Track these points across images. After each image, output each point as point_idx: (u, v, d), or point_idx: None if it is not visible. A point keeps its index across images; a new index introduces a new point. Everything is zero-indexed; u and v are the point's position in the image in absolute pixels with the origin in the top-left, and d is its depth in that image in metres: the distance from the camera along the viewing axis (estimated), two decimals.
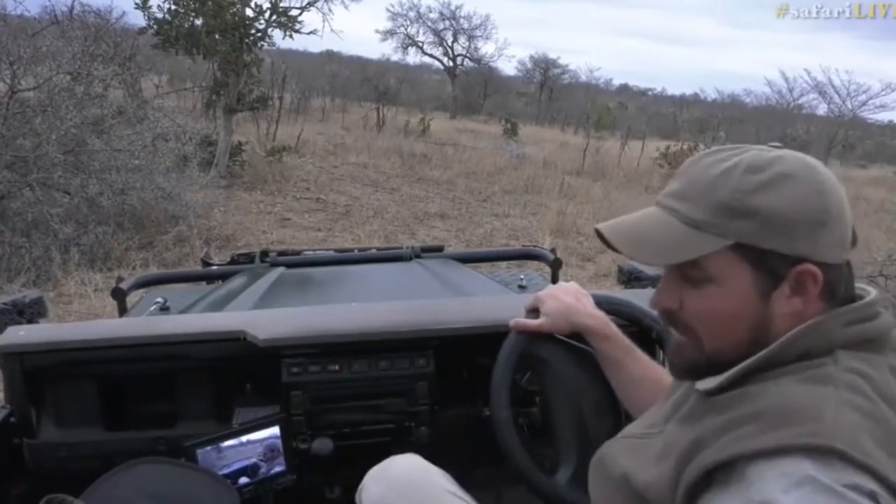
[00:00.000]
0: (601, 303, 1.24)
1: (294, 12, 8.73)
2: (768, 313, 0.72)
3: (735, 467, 0.63)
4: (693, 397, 0.80)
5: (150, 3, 7.93)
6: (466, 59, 34.09)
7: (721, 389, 0.74)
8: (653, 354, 1.43)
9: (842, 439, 0.60)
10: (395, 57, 35.07)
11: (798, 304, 0.71)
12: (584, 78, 39.69)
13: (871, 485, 0.58)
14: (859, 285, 0.77)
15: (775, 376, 0.70)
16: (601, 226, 0.81)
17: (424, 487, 1.10)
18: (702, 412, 0.75)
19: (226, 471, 1.28)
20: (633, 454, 0.82)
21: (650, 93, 49.94)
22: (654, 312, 1.28)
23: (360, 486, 1.15)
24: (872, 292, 0.76)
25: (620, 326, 1.18)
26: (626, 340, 1.14)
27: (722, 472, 0.64)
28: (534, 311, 1.18)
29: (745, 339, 0.73)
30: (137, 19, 12.08)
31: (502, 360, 1.14)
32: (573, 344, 1.16)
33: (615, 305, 1.28)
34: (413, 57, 35.56)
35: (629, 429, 0.93)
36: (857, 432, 0.61)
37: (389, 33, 33.75)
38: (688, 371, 0.80)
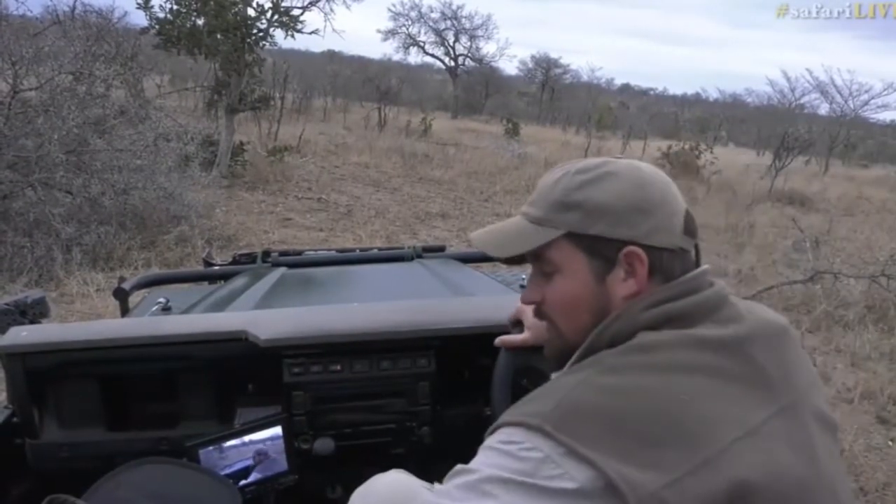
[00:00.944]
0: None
1: (296, 12, 8.76)
2: (607, 296, 0.81)
3: (491, 433, 0.75)
4: None
5: (152, 2, 7.95)
6: (468, 59, 34.12)
7: None
8: None
9: (553, 421, 0.68)
10: (397, 57, 35.14)
11: (633, 285, 0.79)
12: (585, 78, 39.75)
13: (560, 451, 0.66)
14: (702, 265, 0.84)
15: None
16: (473, 235, 0.94)
17: None
18: None
19: (228, 471, 1.28)
20: None
21: (652, 92, 49.95)
22: None
23: None
24: (700, 268, 0.82)
25: None
26: None
27: None
28: (517, 325, 1.19)
29: (590, 321, 0.81)
30: (139, 19, 12.14)
31: (498, 381, 1.14)
32: None
33: None
34: (414, 57, 35.61)
35: None
36: (576, 413, 0.68)
37: (391, 33, 33.82)
38: (556, 361, 0.89)
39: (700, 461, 0.64)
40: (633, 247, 0.78)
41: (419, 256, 2.28)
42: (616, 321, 0.78)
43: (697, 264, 0.84)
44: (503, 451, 0.70)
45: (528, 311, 1.16)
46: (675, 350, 0.73)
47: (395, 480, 1.15)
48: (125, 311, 1.96)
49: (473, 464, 0.73)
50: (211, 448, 1.26)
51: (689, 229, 0.82)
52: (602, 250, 0.80)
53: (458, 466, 0.74)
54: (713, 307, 0.78)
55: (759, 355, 0.75)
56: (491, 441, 0.74)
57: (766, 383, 0.73)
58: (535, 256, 0.85)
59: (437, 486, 0.78)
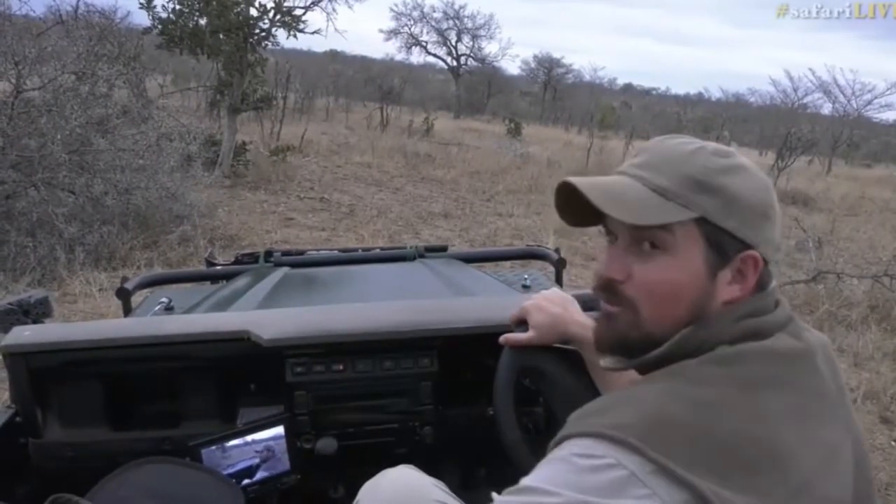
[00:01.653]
0: (588, 301, 1.23)
1: (298, 12, 8.76)
2: (711, 293, 0.75)
3: (558, 444, 0.70)
4: None
5: (155, 2, 7.96)
6: (470, 59, 34.13)
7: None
8: None
9: (639, 434, 0.63)
10: (399, 56, 35.16)
11: (737, 291, 0.75)
12: (587, 77, 39.79)
13: (648, 468, 0.61)
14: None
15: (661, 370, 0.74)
16: (575, 180, 0.78)
17: (417, 501, 1.09)
18: None
19: (230, 470, 1.28)
20: None
21: (654, 92, 49.91)
22: None
23: (355, 502, 1.14)
24: (772, 282, 0.78)
25: None
26: None
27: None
28: (521, 324, 1.16)
29: (684, 316, 0.75)
30: (142, 19, 12.12)
31: (501, 381, 1.13)
32: (567, 349, 1.16)
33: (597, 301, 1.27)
34: (417, 56, 35.61)
35: None
36: (664, 426, 0.63)
37: (393, 33, 33.83)
38: (615, 346, 0.82)
39: (794, 488, 0.62)
40: (754, 252, 0.73)
41: (421, 256, 2.28)
42: (709, 326, 0.73)
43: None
44: (579, 466, 0.63)
45: (535, 312, 1.15)
46: (757, 364, 0.69)
47: (403, 475, 1.16)
48: (128, 310, 1.97)
49: (541, 480, 0.66)
50: (213, 448, 1.27)
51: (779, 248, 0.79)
52: (724, 245, 0.74)
53: (523, 483, 0.68)
54: (784, 322, 0.76)
55: (822, 368, 0.74)
56: (561, 453, 0.67)
57: (829, 397, 0.72)
58: (649, 227, 0.75)
59: (497, 497, 0.70)
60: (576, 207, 0.80)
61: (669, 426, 0.63)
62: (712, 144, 0.77)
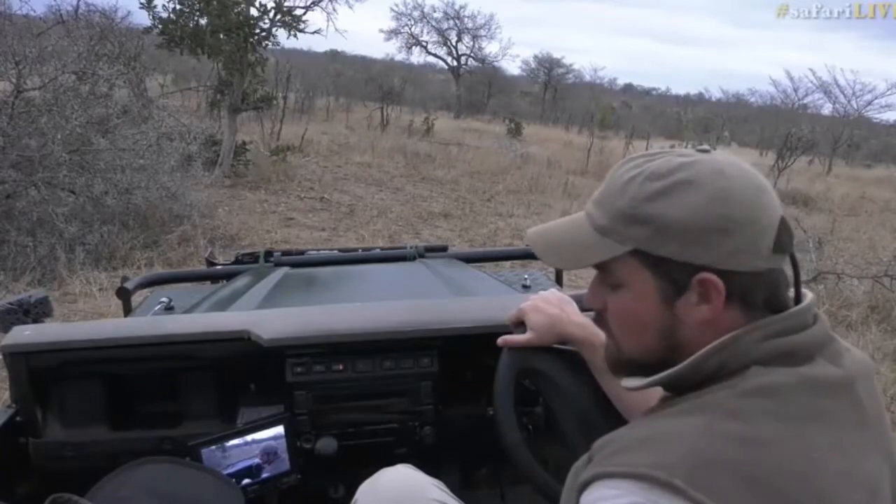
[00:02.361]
0: (584, 302, 1.24)
1: (298, 12, 8.76)
2: (675, 320, 0.73)
3: (587, 485, 0.66)
4: None
5: (155, 2, 7.95)
6: (470, 59, 34.11)
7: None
8: None
9: (683, 474, 0.59)
10: (399, 56, 35.12)
11: (706, 311, 0.71)
12: (588, 77, 39.78)
13: None
14: (804, 291, 0.76)
15: (691, 396, 0.71)
16: (530, 232, 0.85)
17: (414, 500, 1.09)
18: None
19: (230, 470, 1.28)
20: None
21: (654, 92, 49.92)
22: None
23: (353, 501, 1.14)
24: (807, 298, 0.75)
25: None
26: None
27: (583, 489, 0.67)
28: (519, 325, 1.16)
29: (655, 344, 0.75)
30: (142, 19, 12.14)
31: (501, 383, 1.13)
32: (566, 349, 1.16)
33: None
34: (417, 56, 35.58)
35: None
36: (709, 465, 0.60)
37: (393, 33, 33.79)
38: (614, 367, 0.84)
39: None
40: (708, 273, 0.69)
41: (421, 256, 2.28)
42: (723, 351, 0.70)
43: (796, 277, 0.77)
44: None
45: (532, 313, 1.14)
46: (799, 395, 0.66)
47: (401, 474, 1.15)
48: (128, 310, 1.97)
49: None
50: (213, 447, 1.27)
51: (781, 244, 0.71)
52: (672, 273, 0.71)
53: None
54: (822, 343, 0.72)
55: (863, 396, 0.70)
56: (594, 497, 0.64)
57: (869, 427, 0.70)
58: (599, 265, 0.77)
59: None
60: None
61: (715, 466, 0.60)
62: (655, 164, 0.73)
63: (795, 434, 0.63)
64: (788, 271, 0.76)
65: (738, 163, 0.74)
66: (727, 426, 0.63)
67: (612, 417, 1.12)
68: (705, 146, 0.78)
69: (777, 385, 0.66)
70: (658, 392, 0.96)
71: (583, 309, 1.20)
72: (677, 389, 0.74)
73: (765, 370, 0.67)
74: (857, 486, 0.64)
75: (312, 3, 9.37)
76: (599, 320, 0.83)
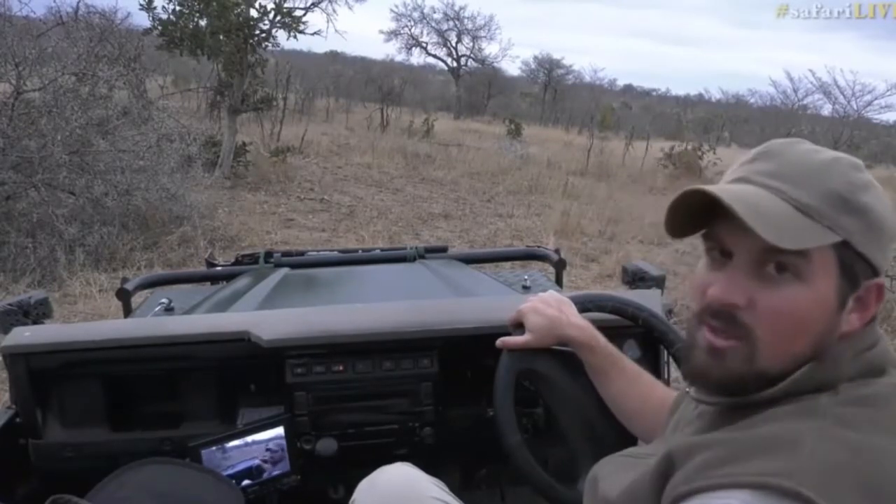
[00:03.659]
0: (584, 303, 1.24)
1: (298, 13, 8.76)
2: (836, 326, 0.66)
3: (683, 500, 0.60)
4: (693, 406, 0.78)
5: (155, 3, 7.96)
6: (470, 60, 34.11)
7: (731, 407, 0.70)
8: (656, 355, 1.43)
9: (810, 482, 0.54)
10: (399, 57, 35.14)
11: (856, 322, 0.67)
12: (588, 78, 39.76)
13: None
14: None
15: (784, 404, 0.66)
16: (711, 188, 0.67)
17: (413, 499, 1.09)
18: (697, 421, 0.74)
19: (230, 471, 1.28)
20: (624, 472, 0.77)
21: (654, 93, 49.95)
22: (635, 301, 1.29)
23: (351, 500, 1.14)
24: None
25: (607, 331, 1.16)
26: (611, 350, 1.12)
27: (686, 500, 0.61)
28: (518, 327, 1.16)
29: (804, 351, 0.66)
30: (142, 20, 12.14)
31: (501, 385, 1.13)
32: (565, 350, 1.16)
33: (598, 302, 1.28)
34: (417, 57, 35.59)
35: (633, 448, 0.92)
36: (833, 473, 0.56)
37: (393, 34, 33.79)
38: (725, 385, 0.70)
39: None
40: (881, 279, 0.66)
41: (421, 257, 2.28)
42: (830, 363, 0.65)
43: None
44: None
45: (531, 315, 1.14)
46: (894, 405, 0.63)
47: (399, 472, 1.15)
48: (128, 311, 1.97)
49: None
50: (213, 448, 1.27)
51: None
52: (857, 272, 0.65)
53: None
54: (890, 356, 0.69)
55: None
56: None
57: None
58: (777, 249, 0.64)
59: None
60: (684, 216, 0.71)
61: (838, 473, 0.56)
62: (843, 154, 0.69)
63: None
64: None
65: None
66: (840, 433, 0.59)
67: (612, 419, 1.13)
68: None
69: (878, 395, 0.63)
70: (656, 398, 0.95)
71: (582, 310, 1.20)
72: (759, 407, 0.67)
73: (860, 382, 0.65)
74: None
75: (312, 4, 9.40)
76: (727, 320, 0.68)
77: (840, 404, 0.62)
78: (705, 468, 0.60)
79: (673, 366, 1.38)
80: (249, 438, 1.30)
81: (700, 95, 43.62)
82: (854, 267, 0.65)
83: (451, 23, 33.60)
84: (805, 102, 27.99)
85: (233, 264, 2.34)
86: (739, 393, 0.69)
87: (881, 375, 0.66)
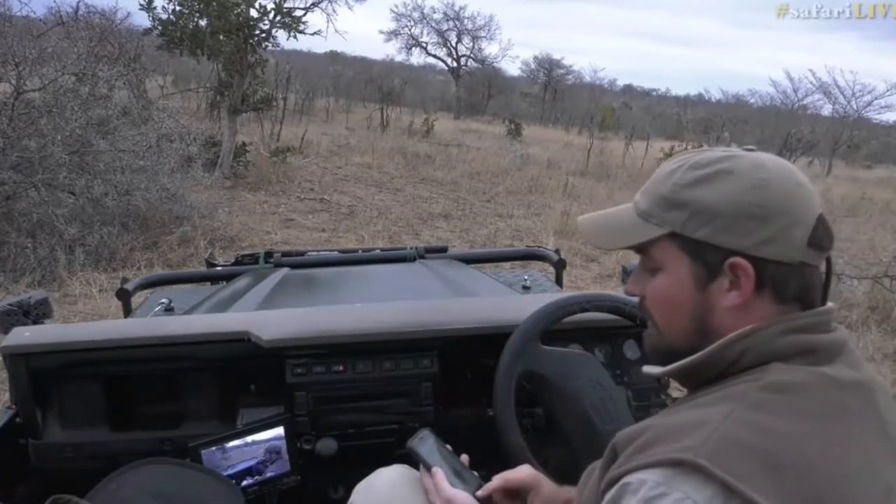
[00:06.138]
0: (583, 302, 1.25)
1: (298, 13, 8.76)
2: (708, 304, 0.76)
3: (615, 482, 0.67)
4: None
5: (155, 3, 7.96)
6: (470, 60, 34.15)
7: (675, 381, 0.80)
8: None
9: (705, 454, 0.61)
10: (399, 58, 35.21)
11: (735, 298, 0.74)
12: (588, 78, 39.78)
13: (720, 498, 0.60)
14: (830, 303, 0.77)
15: (713, 389, 0.72)
16: (581, 218, 0.90)
17: (410, 500, 1.09)
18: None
19: (230, 471, 1.28)
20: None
21: (654, 93, 49.94)
22: (634, 300, 1.30)
23: (349, 502, 1.14)
24: (829, 304, 0.76)
25: (607, 331, 1.15)
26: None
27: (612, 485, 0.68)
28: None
29: (689, 328, 0.77)
30: (142, 20, 12.15)
31: (501, 385, 1.13)
32: (566, 351, 1.16)
33: (596, 302, 1.29)
34: (417, 58, 35.73)
35: None
36: (731, 447, 0.62)
37: (393, 34, 33.82)
38: (653, 357, 0.85)
39: None
40: (739, 258, 0.72)
41: (421, 257, 2.29)
42: (743, 341, 0.72)
43: (827, 279, 0.78)
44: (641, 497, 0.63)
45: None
46: (820, 392, 0.68)
47: (397, 474, 1.15)
48: (128, 311, 1.97)
49: None
50: (214, 448, 1.27)
51: (817, 241, 0.73)
52: (706, 256, 0.74)
53: None
54: (842, 348, 0.73)
55: (882, 406, 0.72)
56: (619, 493, 0.66)
57: (889, 438, 0.70)
58: (640, 250, 0.81)
59: None
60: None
61: (739, 448, 0.62)
62: (699, 155, 0.79)
63: (817, 428, 0.65)
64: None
65: (780, 161, 0.78)
66: (750, 416, 0.65)
67: (612, 420, 1.13)
68: (751, 146, 0.81)
69: (798, 383, 0.68)
70: None
71: (581, 311, 1.20)
72: (697, 382, 0.77)
73: (786, 367, 0.69)
74: (874, 484, 0.65)
75: (312, 4, 9.40)
76: (643, 308, 0.85)
77: (759, 390, 0.68)
78: (635, 452, 0.68)
79: None
80: (249, 438, 1.30)
81: (700, 95, 43.64)
82: (703, 252, 0.74)
83: (451, 23, 33.67)
84: (805, 102, 28.04)
85: (233, 264, 2.34)
86: (658, 362, 0.83)
87: (820, 364, 0.70)
